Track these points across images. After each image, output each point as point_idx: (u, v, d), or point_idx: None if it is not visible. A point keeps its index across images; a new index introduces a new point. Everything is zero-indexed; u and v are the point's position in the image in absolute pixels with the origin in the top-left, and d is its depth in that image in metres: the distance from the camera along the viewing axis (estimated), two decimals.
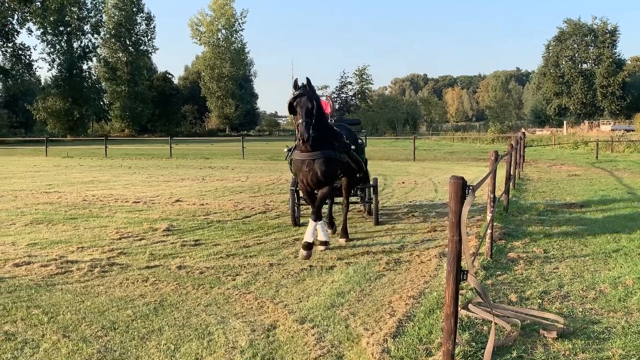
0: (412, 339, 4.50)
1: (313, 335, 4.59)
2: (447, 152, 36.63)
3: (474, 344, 4.39)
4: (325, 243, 7.81)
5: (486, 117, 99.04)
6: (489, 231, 7.13)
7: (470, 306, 5.10)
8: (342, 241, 8.28)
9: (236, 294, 5.79)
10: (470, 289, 5.69)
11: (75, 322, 4.95)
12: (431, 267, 6.87)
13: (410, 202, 12.79)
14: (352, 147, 8.30)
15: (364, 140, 10.31)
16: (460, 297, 4.80)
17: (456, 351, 3.90)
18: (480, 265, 6.82)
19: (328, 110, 9.52)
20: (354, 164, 8.46)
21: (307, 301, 5.54)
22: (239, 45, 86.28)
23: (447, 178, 3.50)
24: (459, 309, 4.48)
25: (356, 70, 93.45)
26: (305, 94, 7.26)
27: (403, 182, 17.33)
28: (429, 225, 9.75)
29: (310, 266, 6.92)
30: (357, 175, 9.09)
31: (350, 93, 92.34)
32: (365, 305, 5.41)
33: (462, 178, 3.60)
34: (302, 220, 9.79)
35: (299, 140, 7.32)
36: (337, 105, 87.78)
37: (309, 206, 8.90)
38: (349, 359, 4.16)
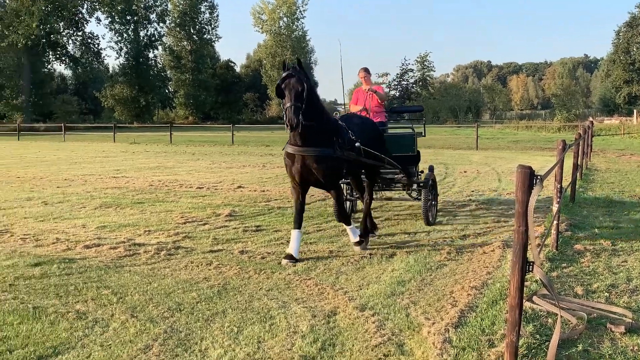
0: (475, 329, 4.45)
1: (373, 322, 4.60)
2: (511, 141, 35.79)
3: (538, 336, 4.30)
4: (359, 243, 7.14)
5: (552, 105, 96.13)
6: (555, 222, 6.95)
7: (534, 298, 4.99)
8: (356, 249, 7.10)
9: (297, 280, 5.85)
10: (535, 281, 5.57)
11: (142, 303, 5.11)
12: (494, 257, 6.75)
13: (473, 191, 12.58)
14: (357, 144, 7.13)
15: (417, 132, 9.28)
16: (524, 288, 4.71)
17: (520, 343, 3.83)
18: (546, 256, 6.65)
19: (377, 100, 9.08)
20: (370, 160, 7.55)
21: (367, 289, 5.55)
22: (300, 33, 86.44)
23: (511, 167, 3.43)
24: (524, 300, 4.39)
25: (417, 57, 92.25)
26: (294, 74, 6.44)
27: (465, 171, 17.06)
28: (492, 215, 9.58)
29: (370, 254, 6.91)
30: (379, 169, 8.23)
31: (411, 80, 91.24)
32: (426, 295, 5.38)
33: (530, 167, 3.52)
34: (355, 215, 9.61)
35: (287, 128, 6.42)
36: (397, 93, 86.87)
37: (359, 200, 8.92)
38: (410, 347, 4.15)
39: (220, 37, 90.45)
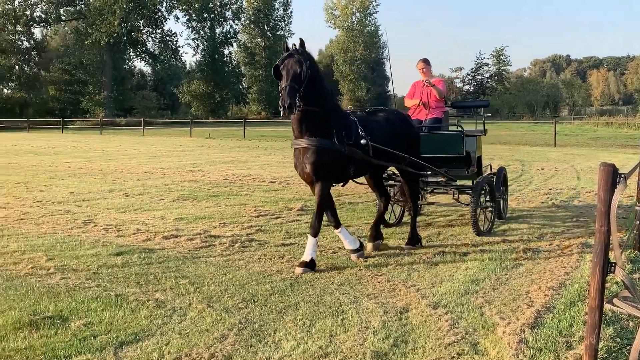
0: (552, 330, 4.33)
1: (446, 321, 4.55)
2: (591, 138, 34.50)
3: (618, 339, 4.15)
4: (355, 251, 6.49)
5: (635, 100, 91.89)
6: (637, 222, 6.66)
7: (615, 300, 4.80)
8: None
9: (368, 275, 5.85)
10: (615, 283, 5.37)
11: (218, 293, 5.25)
12: (572, 258, 6.54)
13: (550, 189, 12.21)
14: (363, 141, 6.34)
15: (474, 129, 8.35)
16: (604, 290, 4.55)
17: (599, 346, 3.71)
18: (627, 258, 6.40)
19: (434, 94, 8.39)
20: (384, 160, 6.74)
21: (440, 286, 5.49)
22: (372, 28, 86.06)
23: (590, 165, 3.31)
24: (604, 302, 4.24)
25: (493, 51, 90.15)
26: (294, 54, 6.01)
27: (542, 169, 16.57)
28: (570, 214, 9.28)
29: (443, 252, 6.84)
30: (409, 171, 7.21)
31: (487, 75, 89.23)
32: (501, 294, 5.27)
33: (613, 165, 3.39)
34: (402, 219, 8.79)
35: (282, 111, 5.84)
36: (472, 88, 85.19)
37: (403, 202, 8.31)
38: (484, 347, 4.08)
39: (293, 34, 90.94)
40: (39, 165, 17.84)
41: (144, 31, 70.39)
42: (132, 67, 77.39)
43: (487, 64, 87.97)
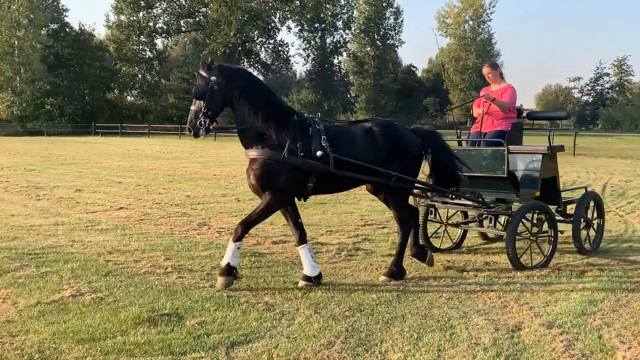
0: None
1: (561, 341, 4.35)
2: None
3: None
4: (308, 279, 5.81)
5: None
6: None
7: None
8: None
9: (478, 291, 5.70)
10: None
11: (325, 300, 5.30)
12: None
13: None
14: (319, 153, 5.65)
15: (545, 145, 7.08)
16: None
17: None
18: None
19: (507, 98, 7.27)
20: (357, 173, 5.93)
21: (555, 306, 5.25)
22: (486, 36, 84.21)
23: None
24: None
25: (614, 61, 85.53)
26: (201, 73, 5.77)
27: None
28: None
29: (558, 269, 6.54)
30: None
31: (607, 85, 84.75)
32: (621, 317, 4.97)
33: None
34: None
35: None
36: (591, 99, 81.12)
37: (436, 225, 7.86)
38: None
39: (404, 42, 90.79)
40: (158, 168, 18.82)
41: (257, 42, 72.55)
42: None
43: (607, 74, 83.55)
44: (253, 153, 5.73)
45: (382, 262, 6.81)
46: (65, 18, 66.41)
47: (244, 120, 5.74)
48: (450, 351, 4.18)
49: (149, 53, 70.64)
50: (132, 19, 67.21)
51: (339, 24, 79.17)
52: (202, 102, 5.65)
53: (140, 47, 69.28)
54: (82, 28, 67.46)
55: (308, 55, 77.95)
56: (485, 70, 7.59)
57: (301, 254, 5.95)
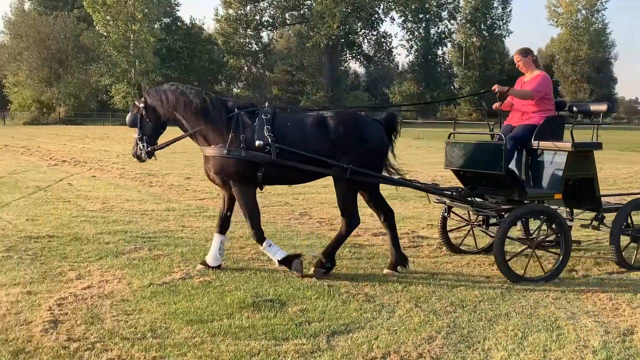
0: None
1: None
2: None
3: None
4: (206, 265, 6.02)
5: None
6: None
7: None
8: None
9: (588, 292, 5.44)
10: None
11: (426, 295, 5.26)
12: None
13: None
14: (258, 142, 5.68)
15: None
16: None
17: None
18: None
19: (531, 86, 6.44)
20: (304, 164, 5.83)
21: None
22: (600, 26, 79.91)
23: None
24: None
25: None
26: (134, 103, 6.06)
27: None
28: None
29: None
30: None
31: None
32: None
33: None
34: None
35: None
36: None
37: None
38: None
39: (512, 32, 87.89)
40: None
41: (360, 33, 72.66)
42: (347, 68, 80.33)
43: None
44: (206, 151, 5.91)
45: (485, 258, 6.66)
46: (177, 12, 69.37)
47: (187, 129, 5.96)
48: (556, 352, 4.04)
49: (254, 46, 72.51)
50: (239, 12, 69.23)
51: (444, 14, 77.74)
52: (136, 129, 5.98)
53: (247, 40, 71.30)
54: (193, 22, 70.27)
55: (411, 47, 77.17)
56: (516, 57, 6.80)
57: (214, 239, 6.14)
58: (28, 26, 55.27)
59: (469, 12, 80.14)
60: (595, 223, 6.63)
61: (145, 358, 3.84)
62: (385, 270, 6.03)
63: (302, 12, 71.86)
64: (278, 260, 5.82)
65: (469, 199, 6.45)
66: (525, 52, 6.69)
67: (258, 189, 6.11)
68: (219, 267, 6.01)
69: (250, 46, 71.98)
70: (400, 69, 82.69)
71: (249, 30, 70.45)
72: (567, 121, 6.84)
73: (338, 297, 5.12)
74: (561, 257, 5.91)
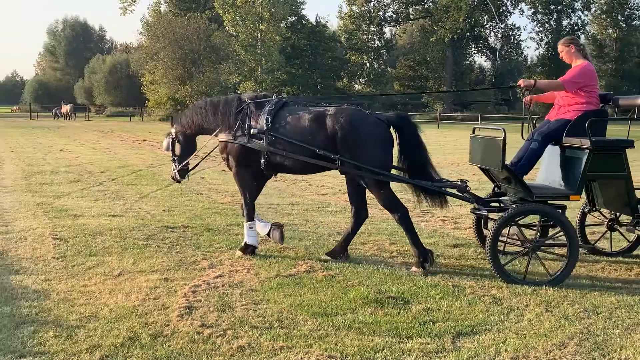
0: None
1: None
2: None
3: None
4: (245, 249, 6.47)
5: None
6: None
7: None
8: (238, 253, 6.45)
9: None
10: None
11: (557, 299, 5.03)
12: None
13: None
14: (252, 130, 6.24)
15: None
16: None
17: None
18: None
19: (565, 76, 5.96)
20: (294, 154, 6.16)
21: None
22: None
23: None
24: None
25: None
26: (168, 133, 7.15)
27: None
28: None
29: None
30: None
31: None
32: None
33: None
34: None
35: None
36: None
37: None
38: None
39: None
40: None
41: (487, 26, 70.54)
42: (472, 63, 78.25)
43: None
44: (219, 137, 6.63)
45: (622, 262, 6.26)
46: (302, 11, 70.73)
47: (213, 131, 6.70)
48: None
49: (377, 42, 72.44)
50: (363, 9, 69.40)
51: (577, 4, 73.62)
52: (170, 153, 7.04)
53: (370, 36, 71.35)
54: (318, 20, 71.45)
55: (541, 39, 73.79)
56: (559, 47, 6.26)
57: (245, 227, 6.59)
58: (164, 27, 58.49)
59: (605, 2, 75.36)
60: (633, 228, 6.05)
61: (273, 347, 3.98)
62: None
63: (426, 6, 70.78)
64: (248, 244, 6.44)
65: (465, 194, 6.20)
66: (569, 42, 6.19)
67: (272, 175, 6.90)
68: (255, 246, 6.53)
69: (372, 42, 72.02)
70: (529, 62, 79.42)
71: (371, 26, 70.47)
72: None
73: (463, 298, 5.02)
74: (567, 260, 5.52)
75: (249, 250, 6.40)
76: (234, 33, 62.27)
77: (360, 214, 6.44)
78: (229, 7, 60.08)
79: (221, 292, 5.13)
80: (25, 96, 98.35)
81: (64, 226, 7.73)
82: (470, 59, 76.01)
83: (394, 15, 71.63)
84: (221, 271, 5.73)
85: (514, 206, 5.79)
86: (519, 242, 5.92)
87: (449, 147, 23.57)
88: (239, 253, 6.41)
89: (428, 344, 4.06)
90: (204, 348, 3.97)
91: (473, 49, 73.11)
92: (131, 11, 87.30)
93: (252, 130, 6.27)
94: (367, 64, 72.56)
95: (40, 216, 8.44)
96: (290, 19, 67.93)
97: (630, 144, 5.76)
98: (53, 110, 62.46)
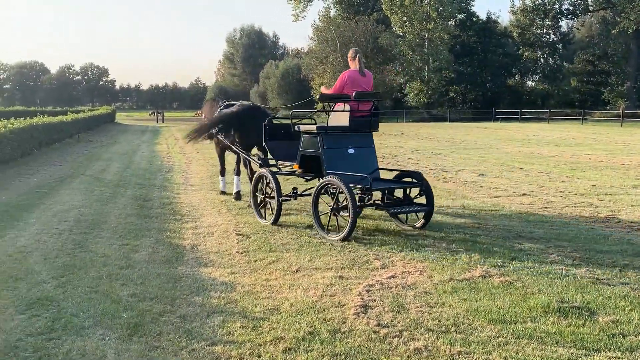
0: None
1: None
2: None
3: None
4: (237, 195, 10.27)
5: None
6: None
7: None
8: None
9: None
10: None
11: None
12: None
13: None
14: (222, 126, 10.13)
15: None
16: None
17: None
18: None
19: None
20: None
21: None
22: None
23: None
24: None
25: None
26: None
27: None
28: None
29: None
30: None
31: None
32: None
33: None
34: None
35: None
36: None
37: None
38: None
39: None
40: (560, 155, 18.23)
41: None
42: None
43: None
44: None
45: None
46: (471, 8, 69.01)
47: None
48: None
49: (552, 36, 68.64)
50: (537, 2, 66.13)
51: None
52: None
53: (544, 30, 67.78)
54: (489, 16, 69.36)
55: None
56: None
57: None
58: (333, 31, 60.04)
59: None
60: None
61: (451, 351, 3.93)
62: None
63: None
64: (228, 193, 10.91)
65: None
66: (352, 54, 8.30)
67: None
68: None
69: (547, 37, 68.30)
70: None
71: (546, 20, 66.84)
72: None
73: None
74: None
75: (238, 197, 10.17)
76: (401, 33, 62.30)
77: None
78: (396, 7, 60.30)
79: (395, 292, 5.17)
80: None
81: (245, 223, 8.26)
82: None
83: (571, 8, 67.35)
84: (393, 272, 5.77)
85: None
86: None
87: (635, 147, 21.66)
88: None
89: (619, 358, 3.79)
90: (381, 347, 4.03)
91: None
92: (303, 17, 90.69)
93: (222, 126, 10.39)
94: (542, 60, 68.98)
95: (224, 213, 9.08)
96: (459, 16, 66.58)
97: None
98: None
